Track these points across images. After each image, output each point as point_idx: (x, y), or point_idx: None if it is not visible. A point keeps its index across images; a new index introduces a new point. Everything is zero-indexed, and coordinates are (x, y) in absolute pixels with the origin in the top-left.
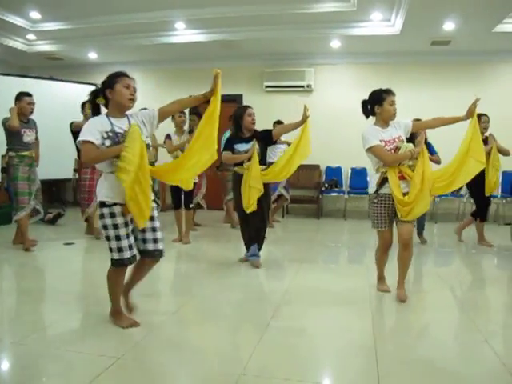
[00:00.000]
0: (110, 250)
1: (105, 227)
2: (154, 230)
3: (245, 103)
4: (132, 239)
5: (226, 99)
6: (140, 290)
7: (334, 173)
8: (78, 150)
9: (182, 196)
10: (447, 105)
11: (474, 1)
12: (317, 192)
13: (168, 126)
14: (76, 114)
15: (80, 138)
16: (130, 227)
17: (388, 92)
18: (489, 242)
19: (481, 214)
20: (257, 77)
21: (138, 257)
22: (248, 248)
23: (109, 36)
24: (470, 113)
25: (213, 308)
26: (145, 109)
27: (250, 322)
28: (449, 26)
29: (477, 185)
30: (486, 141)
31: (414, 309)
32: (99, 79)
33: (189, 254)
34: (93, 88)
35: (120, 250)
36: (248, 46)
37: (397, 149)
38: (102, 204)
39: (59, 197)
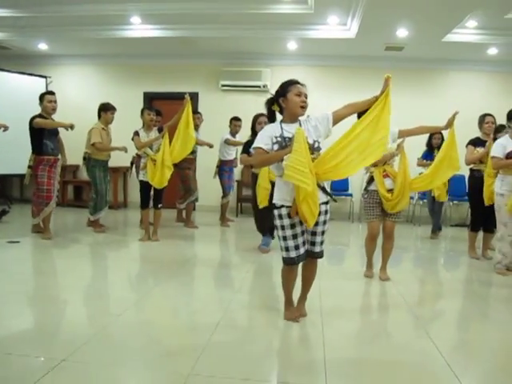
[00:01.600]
0: (281, 248)
1: (276, 227)
2: (313, 233)
3: (201, 102)
4: (300, 240)
5: (181, 97)
6: (89, 290)
7: None
8: (34, 146)
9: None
10: (400, 110)
11: (425, 10)
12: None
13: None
14: (26, 107)
15: (254, 145)
16: (299, 229)
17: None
18: (477, 255)
19: (474, 224)
20: (213, 75)
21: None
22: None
23: (61, 27)
24: (448, 124)
25: (162, 307)
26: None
27: (198, 322)
28: (402, 32)
29: (476, 194)
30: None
31: (362, 305)
32: (50, 71)
33: (155, 253)
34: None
35: (286, 249)
36: (205, 43)
37: None
38: (274, 205)
39: (5, 193)
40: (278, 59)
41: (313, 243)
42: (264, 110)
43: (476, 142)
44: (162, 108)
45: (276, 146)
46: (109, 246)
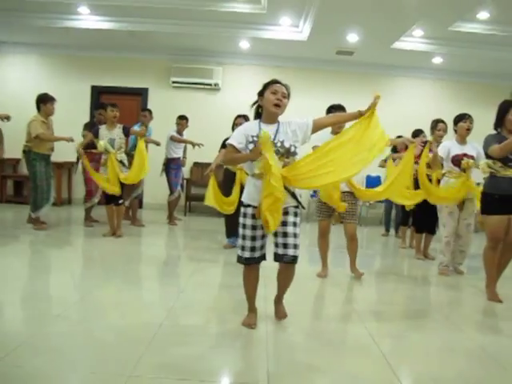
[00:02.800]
0: (238, 245)
1: (239, 224)
2: (285, 235)
3: (150, 98)
4: (258, 243)
5: (131, 92)
6: (27, 290)
7: None
8: None
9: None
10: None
11: (374, 17)
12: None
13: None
14: None
15: (228, 141)
16: (260, 232)
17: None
18: (422, 256)
19: (418, 225)
20: (164, 71)
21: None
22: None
23: (3, 11)
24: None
25: (103, 307)
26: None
27: (141, 321)
28: (352, 37)
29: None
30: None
31: (306, 311)
32: None
33: (98, 251)
34: None
35: (242, 248)
36: (156, 38)
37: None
38: (241, 203)
39: None
40: (230, 58)
41: (285, 245)
42: (215, 109)
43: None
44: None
45: (251, 146)
46: (49, 244)
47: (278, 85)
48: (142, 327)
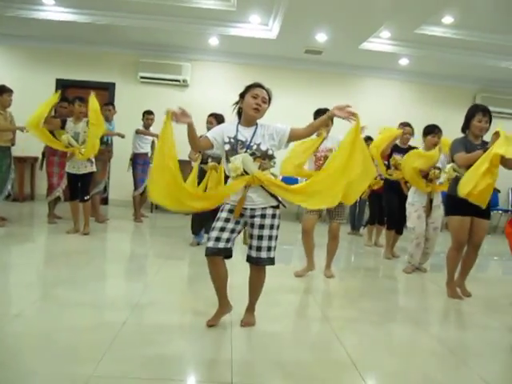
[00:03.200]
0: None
1: (206, 221)
2: (260, 238)
3: (118, 93)
4: (225, 235)
5: (97, 87)
6: None
7: None
8: None
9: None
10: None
11: (343, 17)
12: None
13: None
14: None
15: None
16: (231, 225)
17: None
18: (389, 254)
19: (389, 223)
20: (131, 66)
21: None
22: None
23: None
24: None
25: (64, 305)
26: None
27: (104, 320)
28: (321, 37)
29: (391, 197)
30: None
31: (270, 310)
32: None
33: (60, 248)
34: None
35: (209, 238)
36: (123, 32)
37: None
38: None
39: None
40: (200, 54)
41: (258, 248)
42: (182, 104)
43: (395, 149)
44: None
45: (227, 147)
46: (9, 241)
47: (260, 89)
48: (105, 326)
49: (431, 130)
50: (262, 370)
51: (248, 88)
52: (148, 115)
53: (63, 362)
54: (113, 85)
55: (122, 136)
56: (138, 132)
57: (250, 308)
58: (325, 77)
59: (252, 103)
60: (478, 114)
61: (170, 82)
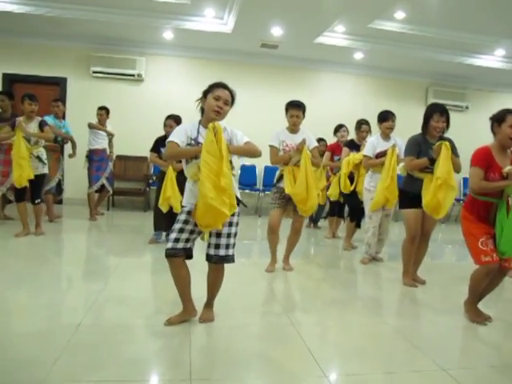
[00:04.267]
0: None
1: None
2: (218, 235)
3: (69, 88)
4: (184, 236)
5: (48, 82)
6: None
7: None
8: None
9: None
10: (273, 106)
11: (297, 11)
12: (144, 184)
13: None
14: None
15: (168, 139)
16: (190, 227)
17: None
18: (349, 246)
19: (351, 215)
20: (83, 60)
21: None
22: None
23: None
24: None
25: (15, 309)
26: None
27: (57, 323)
28: (277, 31)
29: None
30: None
31: (228, 303)
32: None
33: (9, 250)
34: None
35: (168, 240)
36: (74, 25)
37: None
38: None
39: None
40: (154, 48)
41: (217, 246)
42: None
43: (351, 145)
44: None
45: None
46: None
47: (223, 90)
48: (59, 329)
49: (386, 116)
50: (222, 365)
51: (211, 87)
52: (99, 110)
53: (13, 369)
54: (64, 80)
55: (70, 139)
56: (90, 126)
57: (209, 304)
58: (281, 71)
59: (213, 105)
60: (435, 114)
61: (124, 77)
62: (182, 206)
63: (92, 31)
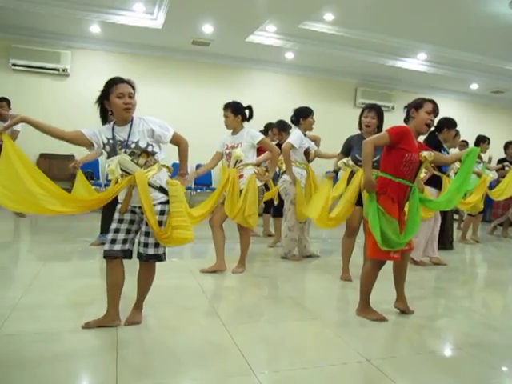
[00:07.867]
0: None
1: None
2: (147, 234)
3: None
4: (120, 236)
5: None
6: None
7: (91, 165)
8: None
9: None
10: (205, 104)
11: (228, 9)
12: (70, 184)
13: None
14: None
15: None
16: (125, 226)
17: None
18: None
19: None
20: (2, 52)
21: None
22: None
23: None
24: None
25: None
26: None
27: None
28: (208, 28)
29: None
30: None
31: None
32: None
33: None
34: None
35: (106, 241)
36: None
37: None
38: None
39: None
40: (81, 42)
41: (145, 244)
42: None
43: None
44: None
45: (108, 148)
46: None
47: (122, 85)
48: None
49: (309, 112)
50: (151, 376)
51: (109, 87)
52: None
53: None
54: None
55: None
56: None
57: (137, 305)
58: (212, 69)
59: (121, 104)
60: (365, 110)
61: (48, 71)
62: (118, 203)
63: (12, 20)
